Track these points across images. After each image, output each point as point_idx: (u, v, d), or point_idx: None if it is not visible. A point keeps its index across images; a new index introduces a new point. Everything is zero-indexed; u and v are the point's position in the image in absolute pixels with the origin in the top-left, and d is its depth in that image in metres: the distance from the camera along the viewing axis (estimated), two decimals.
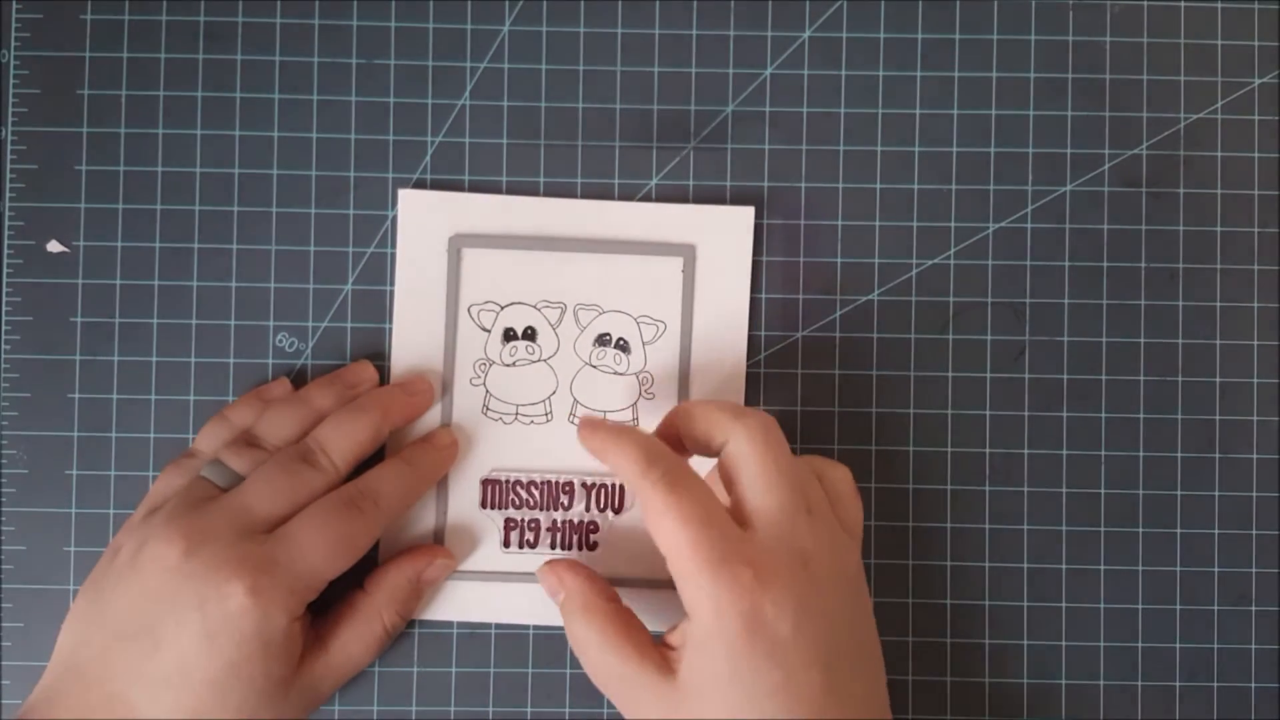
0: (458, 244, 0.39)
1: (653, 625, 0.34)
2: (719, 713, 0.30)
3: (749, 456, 0.32)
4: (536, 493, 0.39)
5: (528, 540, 0.38)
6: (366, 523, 0.34)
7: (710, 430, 0.33)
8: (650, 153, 0.39)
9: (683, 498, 0.31)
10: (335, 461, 0.35)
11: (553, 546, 0.38)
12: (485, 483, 0.39)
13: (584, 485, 0.39)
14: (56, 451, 0.39)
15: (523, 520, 0.38)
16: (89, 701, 0.32)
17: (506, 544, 0.38)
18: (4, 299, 0.39)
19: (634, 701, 0.32)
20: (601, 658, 0.32)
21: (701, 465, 0.35)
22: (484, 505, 0.38)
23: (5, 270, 0.39)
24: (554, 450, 0.39)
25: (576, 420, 0.39)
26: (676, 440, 0.35)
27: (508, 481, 0.38)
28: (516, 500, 0.39)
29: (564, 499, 0.39)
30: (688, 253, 0.39)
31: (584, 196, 0.39)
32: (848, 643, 0.32)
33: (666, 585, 0.38)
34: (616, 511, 0.39)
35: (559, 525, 0.38)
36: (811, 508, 0.33)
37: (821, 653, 0.30)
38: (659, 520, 0.31)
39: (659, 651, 0.32)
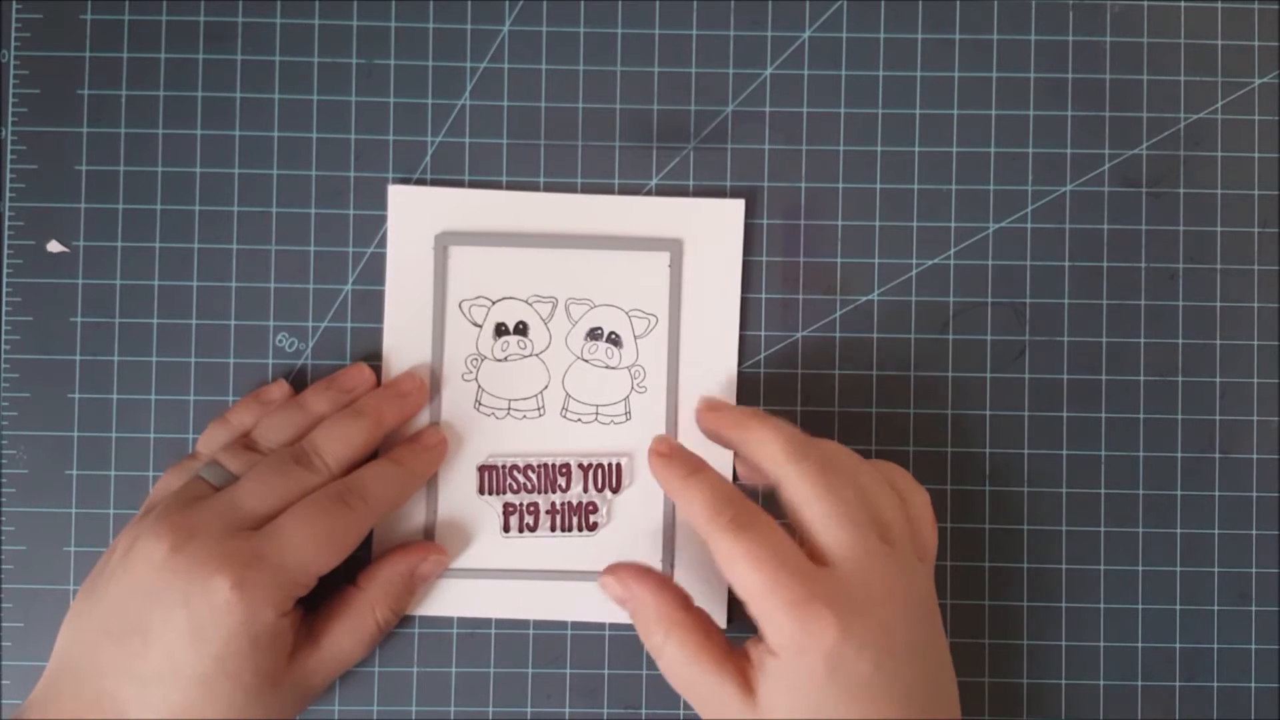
0: (444, 241, 0.39)
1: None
2: None
3: (810, 500, 0.32)
4: (534, 476, 0.39)
5: (527, 524, 0.38)
6: (355, 518, 0.34)
7: (763, 464, 0.33)
8: (650, 153, 0.39)
9: (752, 541, 0.31)
10: (329, 463, 0.35)
11: (552, 529, 0.38)
12: (482, 469, 0.39)
13: (581, 466, 0.39)
14: (56, 451, 0.39)
15: (521, 504, 0.39)
16: (81, 700, 0.32)
17: (506, 529, 0.38)
18: (4, 299, 0.39)
19: (711, 710, 0.32)
20: (679, 668, 0.32)
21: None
22: (481, 491, 0.39)
23: (5, 270, 0.39)
24: (546, 445, 0.39)
25: (566, 414, 0.39)
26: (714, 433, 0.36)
27: (504, 466, 0.39)
28: (514, 484, 0.39)
29: (561, 480, 0.39)
30: (674, 248, 0.39)
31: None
32: (924, 673, 0.32)
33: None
34: (615, 490, 0.39)
35: (558, 507, 0.39)
36: (886, 534, 0.32)
37: (900, 687, 0.31)
38: (731, 566, 0.31)
39: (737, 664, 0.32)
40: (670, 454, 0.35)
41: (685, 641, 0.32)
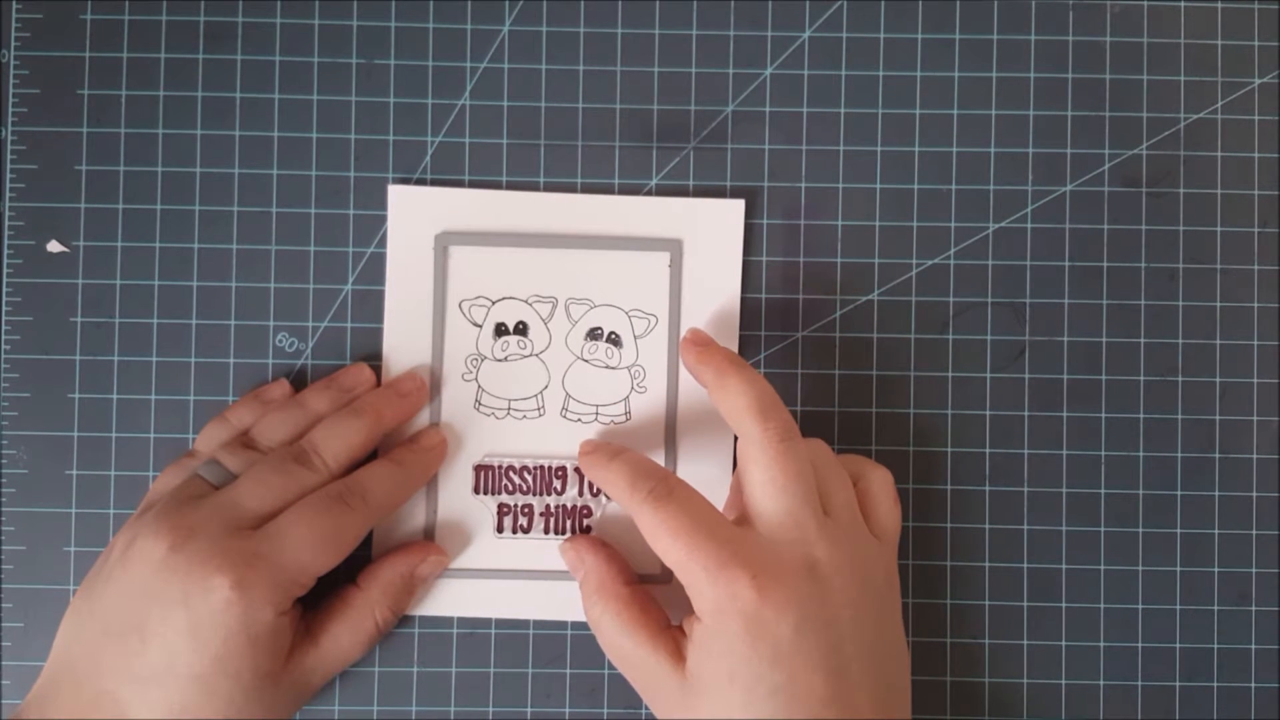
0: (444, 241, 0.39)
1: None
2: (720, 707, 0.30)
3: (757, 460, 0.32)
4: (529, 478, 0.39)
5: (521, 525, 0.38)
6: (355, 518, 0.34)
7: (729, 415, 0.34)
8: (650, 153, 0.39)
9: (670, 511, 0.32)
10: (328, 462, 0.35)
11: (546, 532, 0.38)
12: (478, 468, 0.39)
13: (576, 470, 0.39)
14: (56, 451, 0.39)
15: (515, 505, 0.39)
16: (80, 699, 0.32)
17: (500, 529, 0.38)
18: (4, 299, 0.39)
19: (645, 684, 0.33)
20: (615, 640, 0.33)
21: (693, 475, 0.35)
22: (476, 491, 0.39)
23: (5, 270, 0.39)
24: (546, 445, 0.39)
25: (566, 414, 0.39)
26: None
27: (500, 467, 0.39)
28: (509, 485, 0.39)
29: (556, 484, 0.39)
30: (674, 248, 0.39)
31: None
32: (860, 651, 0.31)
33: (658, 580, 0.38)
34: (609, 497, 0.39)
35: (552, 510, 0.39)
36: (832, 512, 0.33)
37: (825, 659, 0.30)
38: (654, 538, 0.32)
39: (672, 637, 0.33)
40: (593, 450, 0.36)
41: (620, 613, 0.33)
